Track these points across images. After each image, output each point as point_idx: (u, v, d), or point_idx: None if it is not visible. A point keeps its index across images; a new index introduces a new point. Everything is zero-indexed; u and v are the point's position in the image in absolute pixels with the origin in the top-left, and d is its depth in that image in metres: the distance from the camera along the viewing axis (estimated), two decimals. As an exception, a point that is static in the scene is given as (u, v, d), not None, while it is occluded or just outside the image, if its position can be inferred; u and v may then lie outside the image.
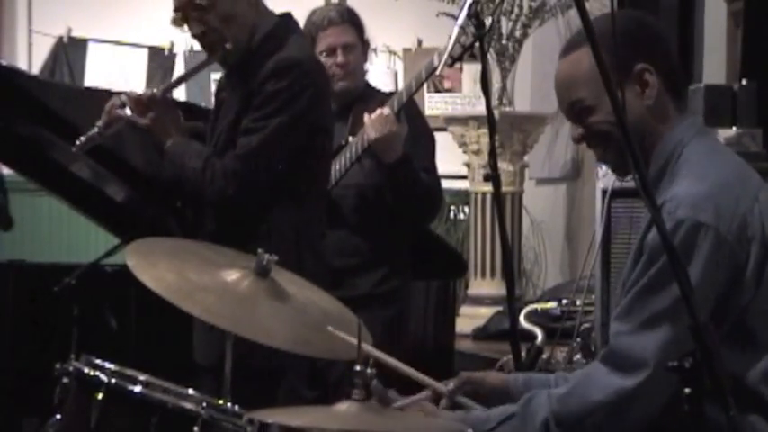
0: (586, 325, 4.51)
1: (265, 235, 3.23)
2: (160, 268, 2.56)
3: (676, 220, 2.24)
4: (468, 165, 6.99)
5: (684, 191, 2.29)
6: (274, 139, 3.26)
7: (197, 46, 3.59)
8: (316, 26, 4.04)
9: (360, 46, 4.07)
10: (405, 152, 3.87)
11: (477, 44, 3.53)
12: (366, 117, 3.87)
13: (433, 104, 7.99)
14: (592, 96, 2.39)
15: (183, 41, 7.80)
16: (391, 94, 4.20)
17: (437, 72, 3.74)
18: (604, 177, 4.16)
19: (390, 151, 3.85)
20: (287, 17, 3.45)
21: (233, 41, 3.31)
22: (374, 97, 4.10)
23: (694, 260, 2.23)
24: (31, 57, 8.57)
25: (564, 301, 4.94)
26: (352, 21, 4.06)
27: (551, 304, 5.12)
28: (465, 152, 6.99)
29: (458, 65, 3.75)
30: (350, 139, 3.92)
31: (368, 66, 4.26)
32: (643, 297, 2.29)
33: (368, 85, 4.19)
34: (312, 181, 3.37)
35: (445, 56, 3.65)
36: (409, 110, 3.97)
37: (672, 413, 2.20)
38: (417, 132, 4.00)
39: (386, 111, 3.85)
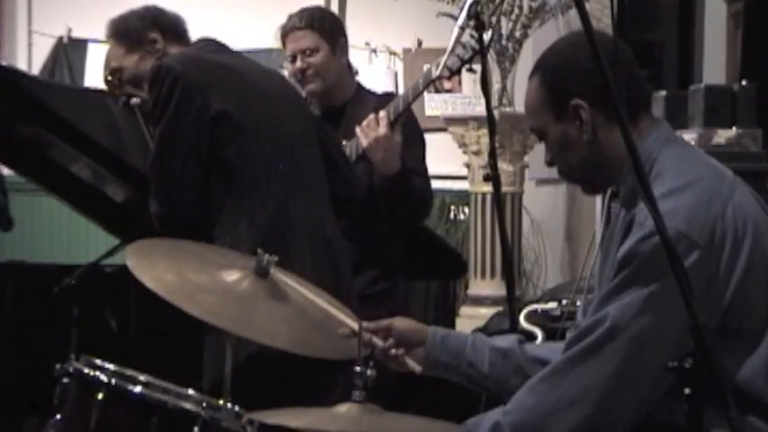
0: (586, 325, 4.50)
1: (225, 233, 3.20)
2: (160, 269, 2.56)
3: (645, 231, 2.25)
4: (468, 165, 6.99)
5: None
6: (162, 150, 3.24)
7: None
8: (282, 33, 4.11)
9: (326, 48, 4.05)
10: (402, 165, 3.87)
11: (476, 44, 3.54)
12: (358, 129, 3.87)
13: (433, 105, 7.99)
14: (540, 125, 2.48)
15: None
16: (384, 94, 4.19)
17: (436, 81, 3.77)
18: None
19: (387, 165, 3.85)
20: (196, 43, 3.49)
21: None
22: (367, 99, 4.10)
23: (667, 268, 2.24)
24: (31, 57, 8.57)
25: (564, 302, 4.94)
26: (312, 25, 4.04)
27: (551, 305, 5.12)
28: (465, 152, 6.99)
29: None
30: (343, 142, 3.92)
31: (357, 66, 4.25)
32: (601, 302, 2.32)
33: (360, 87, 4.19)
34: (243, 168, 3.25)
35: (443, 63, 3.67)
36: (404, 113, 3.96)
37: (671, 414, 2.21)
38: (410, 135, 4.00)
39: (381, 114, 3.85)
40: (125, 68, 3.48)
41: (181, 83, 3.20)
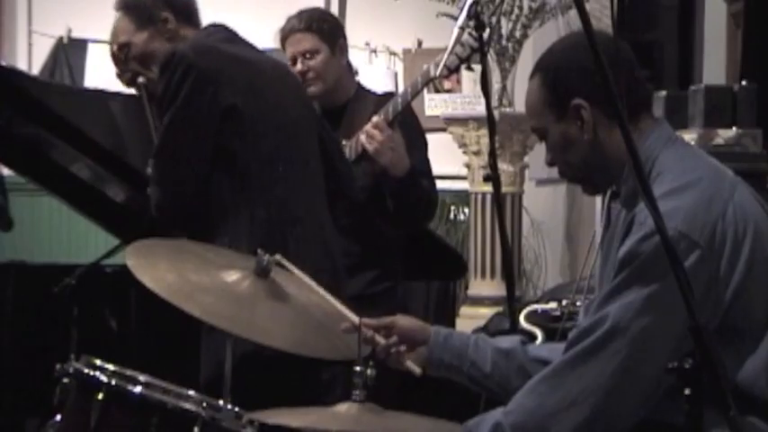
0: (586, 326, 4.50)
1: (225, 228, 3.19)
2: (160, 269, 2.57)
3: (646, 230, 2.25)
4: (468, 165, 6.99)
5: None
6: (169, 138, 3.21)
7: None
8: (282, 36, 4.10)
9: (326, 50, 4.05)
10: (412, 165, 3.86)
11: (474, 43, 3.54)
12: (362, 137, 3.86)
13: (433, 105, 7.99)
14: (541, 125, 2.48)
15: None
16: (384, 94, 4.19)
17: (435, 80, 3.77)
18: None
19: (397, 165, 3.83)
20: (206, 28, 3.45)
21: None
22: (366, 98, 4.09)
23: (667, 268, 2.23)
24: (31, 57, 8.57)
25: (564, 302, 4.94)
26: (312, 27, 4.03)
27: (551, 305, 5.11)
28: (465, 153, 6.99)
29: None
30: (343, 142, 3.92)
31: (357, 66, 4.24)
32: (602, 302, 2.33)
33: (360, 87, 4.18)
34: (247, 163, 3.23)
35: (442, 62, 3.67)
36: (403, 112, 3.96)
37: (670, 413, 2.20)
38: (412, 136, 3.99)
39: (374, 119, 3.84)
40: (133, 44, 3.40)
41: (194, 72, 3.16)
